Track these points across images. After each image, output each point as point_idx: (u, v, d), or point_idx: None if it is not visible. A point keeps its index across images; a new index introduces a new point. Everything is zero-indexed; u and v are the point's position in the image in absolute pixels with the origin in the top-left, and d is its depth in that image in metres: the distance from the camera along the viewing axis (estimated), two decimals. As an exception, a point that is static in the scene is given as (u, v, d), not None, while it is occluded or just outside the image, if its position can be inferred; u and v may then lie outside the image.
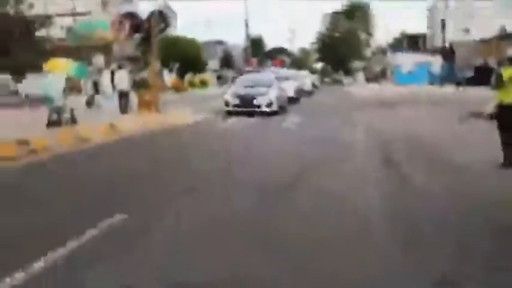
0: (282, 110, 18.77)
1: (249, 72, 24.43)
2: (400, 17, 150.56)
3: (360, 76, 73.11)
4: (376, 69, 74.01)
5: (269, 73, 22.28)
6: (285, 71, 31.27)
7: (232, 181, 7.11)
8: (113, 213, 5.06)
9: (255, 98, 17.92)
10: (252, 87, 19.03)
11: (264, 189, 6.39)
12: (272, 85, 19.19)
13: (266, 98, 17.96)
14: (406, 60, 55.33)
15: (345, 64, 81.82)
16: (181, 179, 7.34)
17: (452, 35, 51.46)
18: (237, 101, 18.15)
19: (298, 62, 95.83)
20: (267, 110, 17.73)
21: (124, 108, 18.20)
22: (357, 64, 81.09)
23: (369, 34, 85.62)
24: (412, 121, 15.75)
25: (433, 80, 44.23)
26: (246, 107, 17.77)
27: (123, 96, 18.49)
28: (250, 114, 17.18)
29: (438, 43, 54.96)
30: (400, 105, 23.01)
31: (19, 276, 3.51)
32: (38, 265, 3.71)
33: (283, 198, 6.03)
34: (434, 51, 55.05)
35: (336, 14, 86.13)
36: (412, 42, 71.45)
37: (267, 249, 4.17)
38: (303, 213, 5.31)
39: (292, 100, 23.18)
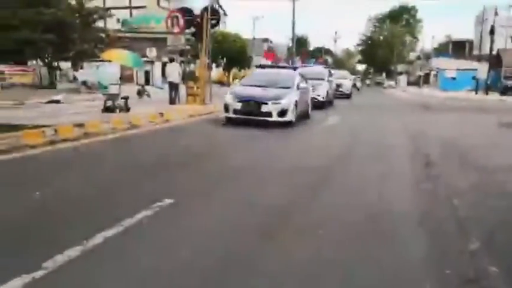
0: (301, 119, 14.51)
1: (264, 67, 19.46)
2: (447, 22, 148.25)
3: (403, 79, 72.48)
4: (419, 73, 73.27)
5: (290, 70, 17.33)
6: (318, 69, 25.90)
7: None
8: (161, 198, 5.22)
9: (264, 103, 12.97)
10: (263, 87, 13.89)
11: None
12: (291, 86, 14.18)
13: (279, 104, 13.03)
14: (451, 66, 54.68)
15: (388, 67, 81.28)
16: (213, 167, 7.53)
17: (500, 42, 50.52)
18: (239, 106, 13.18)
19: (340, 62, 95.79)
20: (279, 119, 12.95)
21: (173, 99, 19.01)
22: (400, 67, 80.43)
23: (414, 38, 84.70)
24: (457, 128, 15.27)
25: (478, 86, 43.61)
26: (250, 114, 13.02)
27: (173, 87, 19.21)
28: (257, 124, 12.63)
29: (485, 50, 54.01)
30: (443, 111, 22.51)
31: (80, 248, 3.77)
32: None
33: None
34: (480, 58, 54.14)
35: (381, 17, 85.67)
36: (458, 48, 70.32)
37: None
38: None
39: (323, 105, 20.08)
